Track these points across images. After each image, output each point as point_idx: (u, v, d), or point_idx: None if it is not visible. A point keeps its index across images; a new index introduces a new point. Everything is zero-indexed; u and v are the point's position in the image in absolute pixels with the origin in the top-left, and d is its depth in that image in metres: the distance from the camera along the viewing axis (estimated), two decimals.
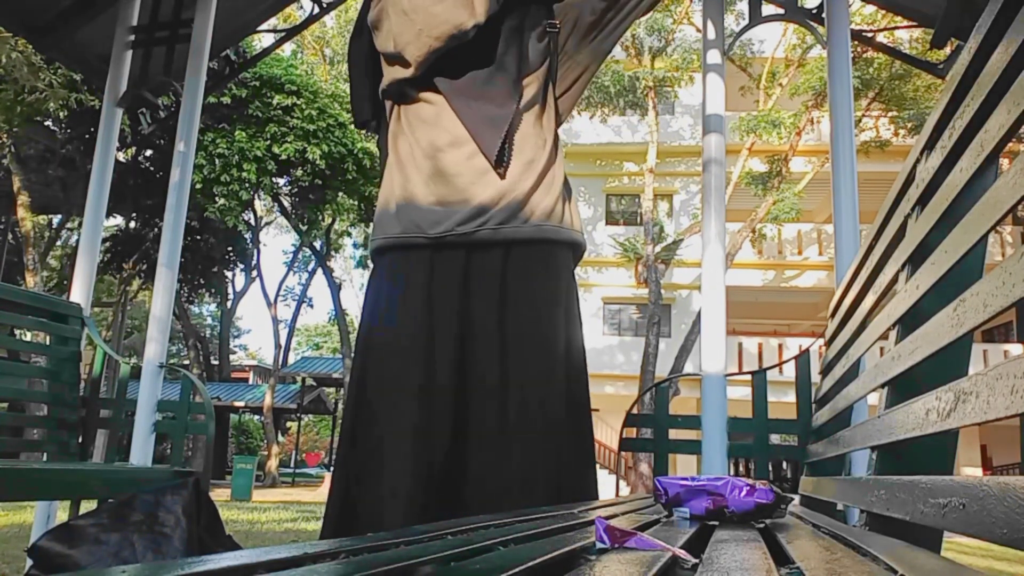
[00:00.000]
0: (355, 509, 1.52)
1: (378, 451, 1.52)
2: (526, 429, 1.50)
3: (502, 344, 1.55)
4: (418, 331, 1.55)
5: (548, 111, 1.74)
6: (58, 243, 20.60)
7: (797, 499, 1.90)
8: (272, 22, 5.51)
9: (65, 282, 17.42)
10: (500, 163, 1.59)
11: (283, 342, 22.77)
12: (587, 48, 1.83)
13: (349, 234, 24.06)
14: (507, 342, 1.55)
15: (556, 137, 1.75)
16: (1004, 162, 0.66)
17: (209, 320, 32.90)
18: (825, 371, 2.08)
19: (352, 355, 1.68)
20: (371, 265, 1.74)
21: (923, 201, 1.02)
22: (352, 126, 15.19)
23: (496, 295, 1.57)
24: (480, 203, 1.58)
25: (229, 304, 24.24)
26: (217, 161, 13.90)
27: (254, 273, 23.10)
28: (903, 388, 1.01)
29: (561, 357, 1.58)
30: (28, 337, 8.89)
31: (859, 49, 13.45)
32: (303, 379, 22.87)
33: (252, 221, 19.76)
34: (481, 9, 1.57)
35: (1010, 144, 0.67)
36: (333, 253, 24.18)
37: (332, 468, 1.63)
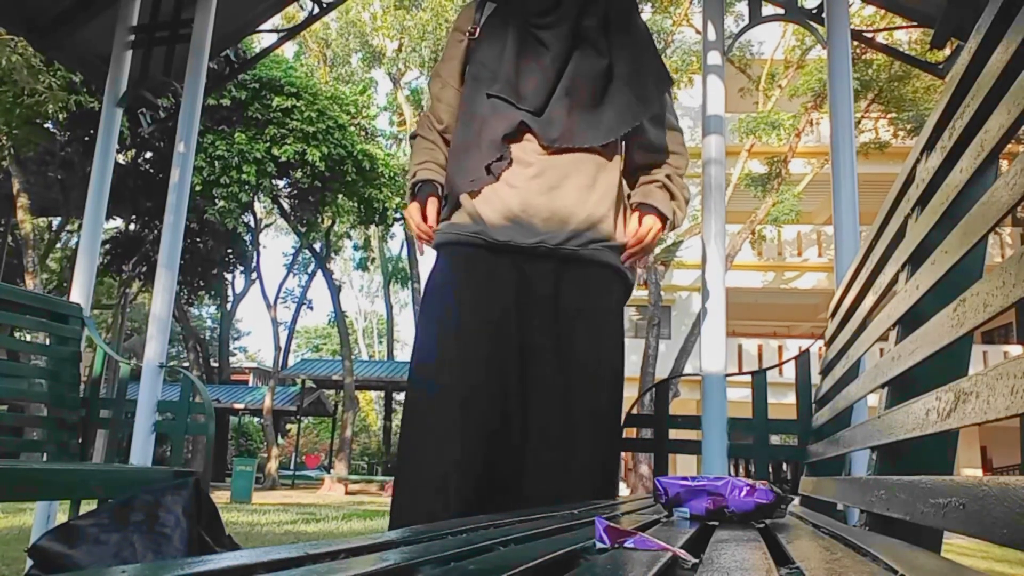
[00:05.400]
0: (416, 505, 1.60)
1: (436, 441, 1.61)
2: (577, 435, 1.64)
3: (559, 354, 1.67)
4: (479, 334, 1.65)
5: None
6: (57, 245, 20.61)
7: (797, 499, 1.90)
8: (273, 22, 5.50)
9: (65, 284, 17.42)
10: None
11: (283, 344, 22.78)
12: None
13: (349, 236, 24.12)
14: (564, 355, 1.67)
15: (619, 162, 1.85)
16: (1004, 163, 0.66)
17: (209, 322, 32.89)
18: (825, 371, 2.08)
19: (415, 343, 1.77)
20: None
21: (923, 201, 1.02)
22: (352, 128, 15.24)
23: (553, 307, 1.70)
24: (544, 220, 1.69)
25: (229, 306, 24.25)
26: (217, 163, 13.90)
27: (254, 275, 23.11)
28: (903, 388, 1.01)
29: (612, 369, 1.74)
30: (28, 338, 8.90)
31: (858, 50, 13.46)
32: (303, 381, 22.85)
33: (252, 223, 19.76)
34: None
35: (1010, 144, 0.67)
36: (333, 255, 24.20)
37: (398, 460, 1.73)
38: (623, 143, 1.86)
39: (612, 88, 1.75)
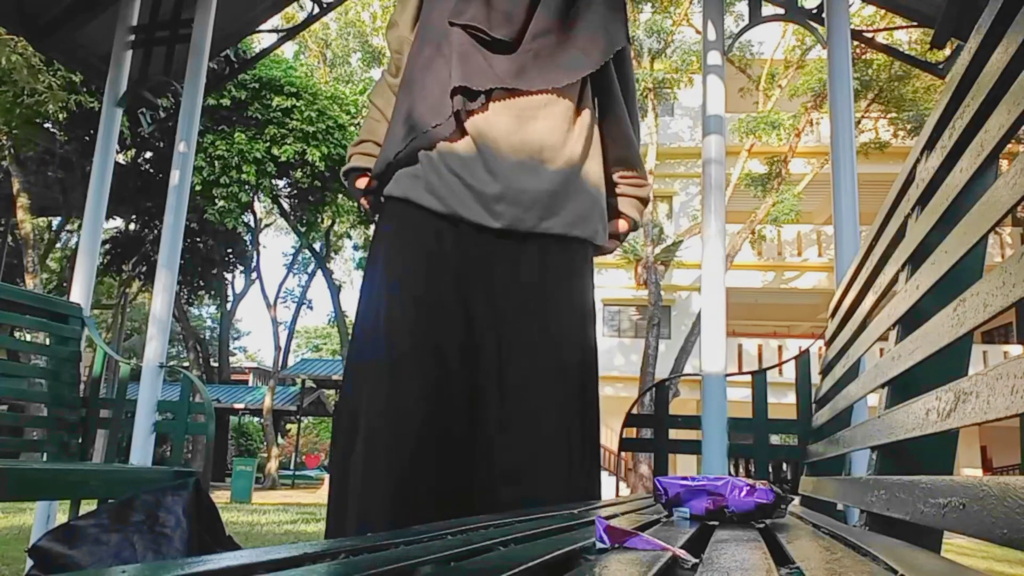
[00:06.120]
0: (342, 512, 1.48)
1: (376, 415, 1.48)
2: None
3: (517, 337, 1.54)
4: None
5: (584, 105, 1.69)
6: (57, 245, 20.61)
7: (797, 499, 1.90)
8: (272, 22, 5.51)
9: (64, 284, 17.42)
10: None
11: (283, 344, 22.78)
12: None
13: (349, 236, 24.11)
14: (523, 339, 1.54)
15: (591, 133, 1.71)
16: (1004, 163, 0.66)
17: (209, 322, 32.90)
18: (825, 371, 2.08)
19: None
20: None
21: (923, 201, 1.02)
22: (352, 128, 15.23)
23: (511, 286, 1.56)
24: (517, 191, 1.55)
25: (229, 306, 24.24)
26: (216, 163, 13.91)
27: (254, 275, 23.11)
28: (903, 388, 1.01)
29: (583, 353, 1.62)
30: (28, 338, 8.90)
31: (858, 50, 13.47)
32: (303, 381, 22.87)
33: (252, 223, 19.77)
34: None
35: (1010, 144, 0.67)
36: (333, 255, 24.19)
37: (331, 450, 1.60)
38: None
39: (583, 20, 1.64)
